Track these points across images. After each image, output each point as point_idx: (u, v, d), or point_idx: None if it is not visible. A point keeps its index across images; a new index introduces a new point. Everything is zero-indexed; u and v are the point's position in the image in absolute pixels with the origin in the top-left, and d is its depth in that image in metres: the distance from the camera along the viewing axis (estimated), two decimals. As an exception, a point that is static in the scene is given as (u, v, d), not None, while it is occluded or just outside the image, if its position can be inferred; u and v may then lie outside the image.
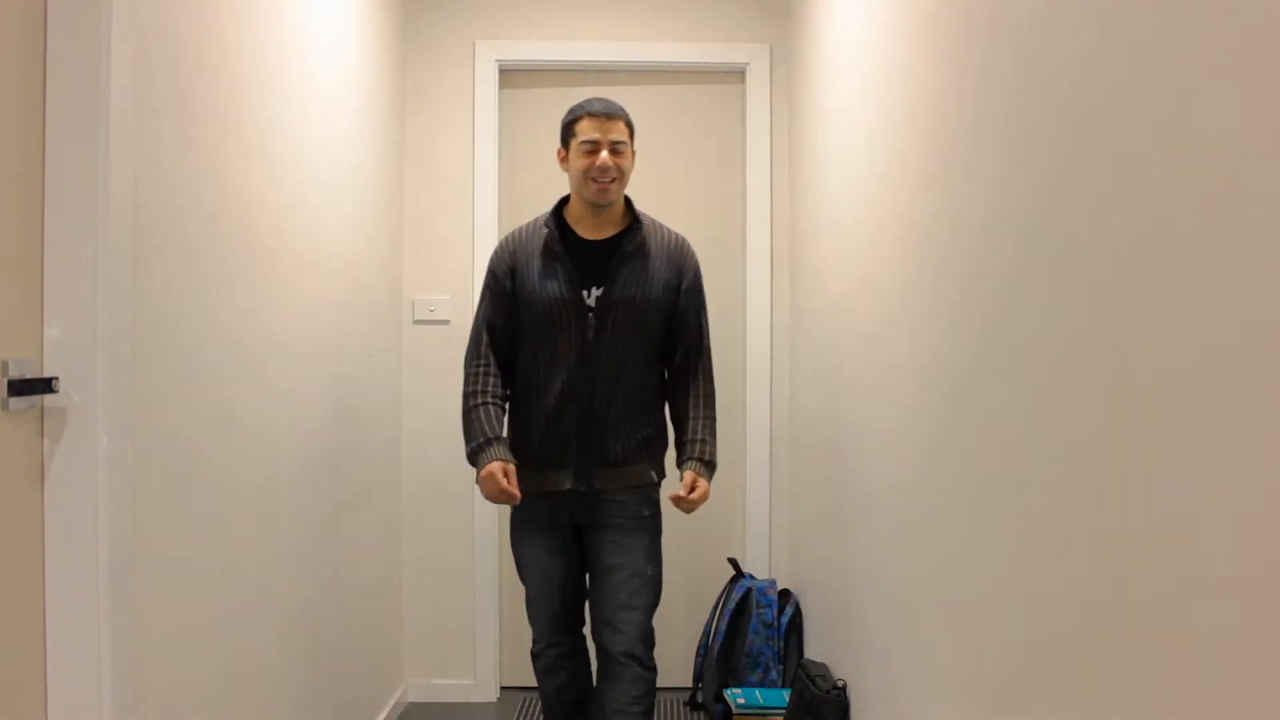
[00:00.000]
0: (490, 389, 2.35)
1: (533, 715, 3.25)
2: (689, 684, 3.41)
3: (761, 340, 3.45)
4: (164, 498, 1.65)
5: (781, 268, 3.46)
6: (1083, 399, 1.16)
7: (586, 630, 2.49)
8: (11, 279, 1.34)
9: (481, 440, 2.30)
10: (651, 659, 2.36)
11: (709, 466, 2.39)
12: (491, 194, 3.43)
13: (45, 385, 1.38)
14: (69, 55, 1.42)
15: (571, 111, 2.37)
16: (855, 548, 2.40)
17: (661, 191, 3.50)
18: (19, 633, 1.36)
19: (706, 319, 2.47)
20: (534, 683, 2.83)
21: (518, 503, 2.28)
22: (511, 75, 3.47)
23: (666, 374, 2.46)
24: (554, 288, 2.31)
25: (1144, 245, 1.02)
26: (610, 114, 2.33)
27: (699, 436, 2.40)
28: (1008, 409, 1.40)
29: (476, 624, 3.42)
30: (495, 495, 2.25)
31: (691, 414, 2.41)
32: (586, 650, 2.55)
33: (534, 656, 2.50)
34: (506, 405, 2.42)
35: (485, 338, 2.39)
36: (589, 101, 2.35)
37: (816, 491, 2.94)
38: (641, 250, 2.36)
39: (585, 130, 2.32)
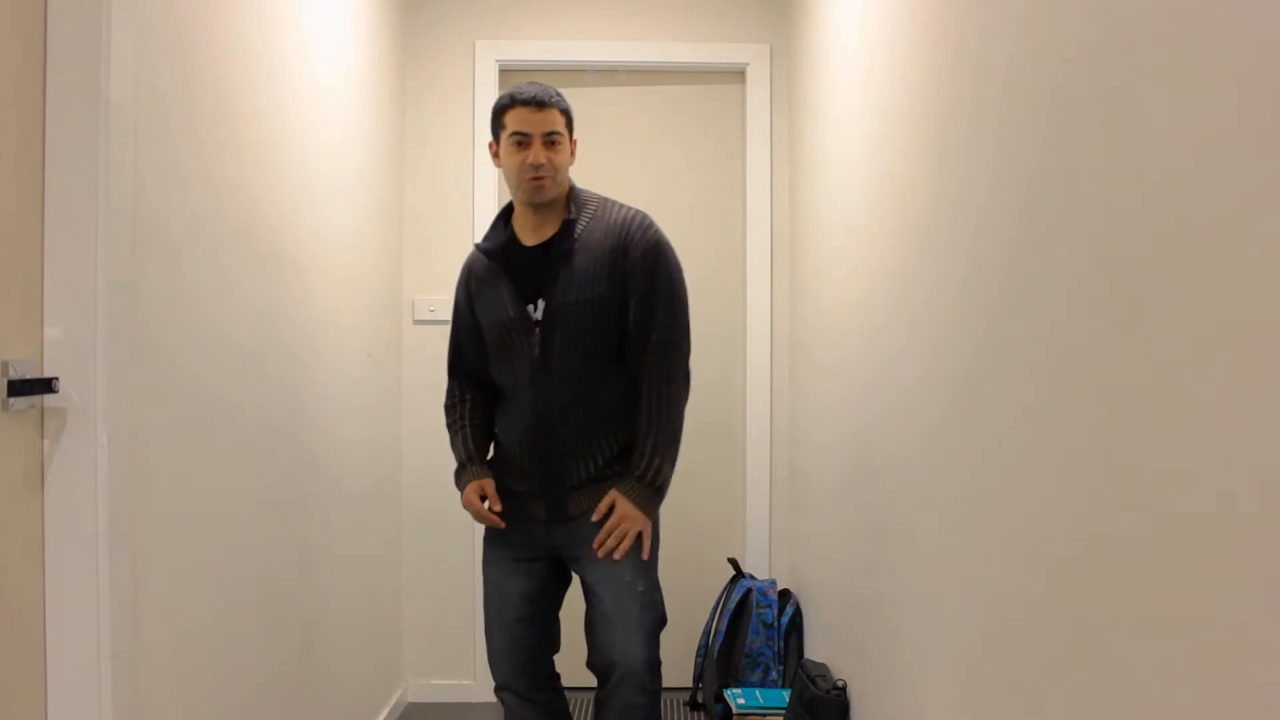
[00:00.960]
0: (466, 414, 2.23)
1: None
2: (689, 684, 3.41)
3: (762, 339, 3.45)
4: (164, 497, 1.65)
5: (782, 266, 3.46)
6: (1085, 399, 1.16)
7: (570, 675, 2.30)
8: (11, 279, 1.34)
9: (459, 463, 2.21)
10: (653, 681, 2.09)
11: (649, 488, 2.05)
12: (491, 194, 3.43)
13: (45, 385, 1.38)
14: (69, 55, 1.42)
15: (503, 98, 2.07)
16: (855, 548, 2.40)
17: (661, 192, 3.50)
18: (19, 633, 1.36)
19: (670, 301, 2.08)
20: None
21: (502, 525, 2.13)
22: (511, 75, 3.47)
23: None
24: (500, 307, 2.10)
25: (1142, 243, 1.02)
26: (542, 102, 2.03)
27: (642, 449, 2.06)
28: (1008, 409, 1.40)
29: (476, 624, 3.42)
30: (478, 516, 2.15)
31: (641, 425, 2.07)
32: (561, 705, 2.26)
33: (498, 698, 2.24)
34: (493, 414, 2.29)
35: (456, 368, 2.27)
36: (519, 88, 2.05)
37: (817, 491, 2.94)
38: (583, 244, 2.06)
39: (514, 121, 2.04)
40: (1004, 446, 1.42)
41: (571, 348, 2.06)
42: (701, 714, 3.22)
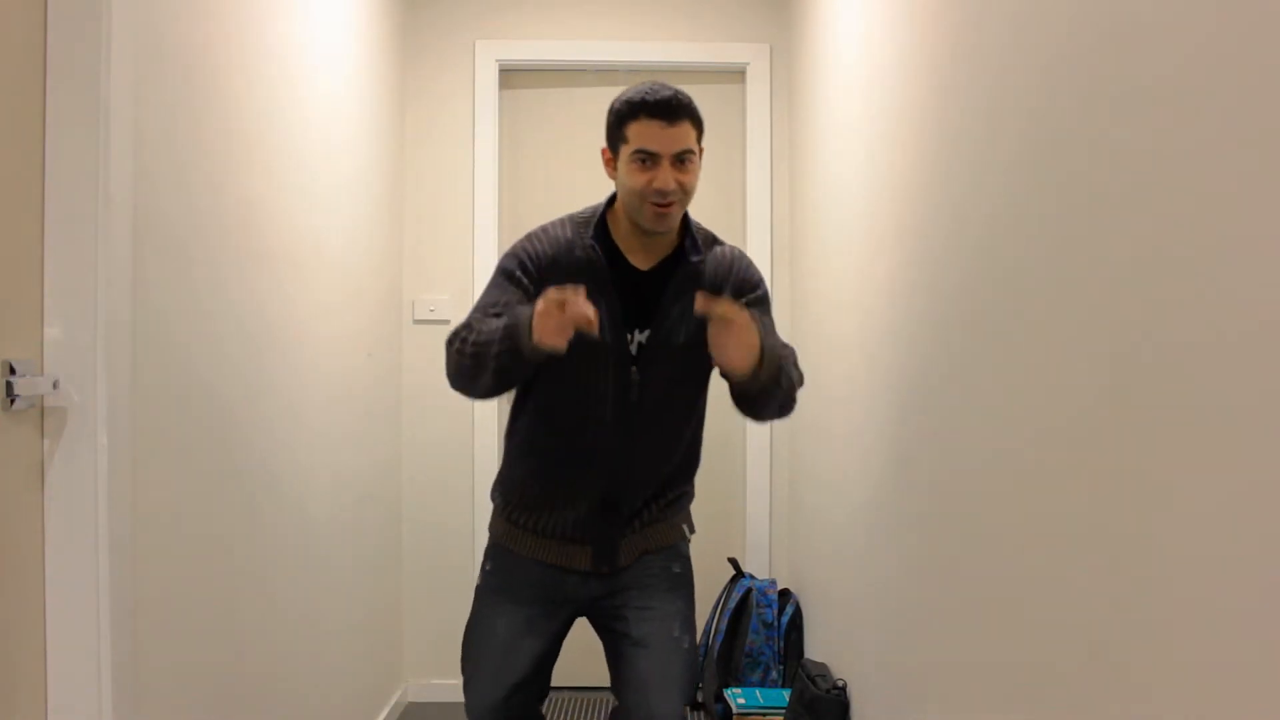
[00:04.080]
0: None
1: None
2: (689, 684, 3.41)
3: (761, 340, 3.45)
4: (164, 497, 1.65)
5: (782, 266, 3.46)
6: (1085, 397, 1.16)
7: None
8: (11, 279, 1.34)
9: (512, 318, 1.65)
10: None
11: (772, 351, 1.71)
12: (491, 194, 3.43)
13: (45, 385, 1.38)
14: (69, 55, 1.42)
15: (625, 104, 1.75)
16: (855, 548, 2.40)
17: (661, 191, 3.49)
18: (19, 633, 1.36)
19: (776, 340, 1.86)
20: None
21: (594, 324, 1.57)
22: (511, 75, 3.47)
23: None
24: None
25: (1144, 245, 1.02)
26: (675, 115, 1.71)
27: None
28: (1006, 407, 1.40)
29: (476, 624, 3.42)
30: (572, 313, 1.55)
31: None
32: None
33: None
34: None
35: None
36: (648, 92, 1.72)
37: (816, 491, 2.94)
38: (695, 281, 1.81)
39: (641, 137, 1.72)
40: (1002, 442, 1.42)
41: (667, 392, 1.84)
42: (701, 714, 3.22)
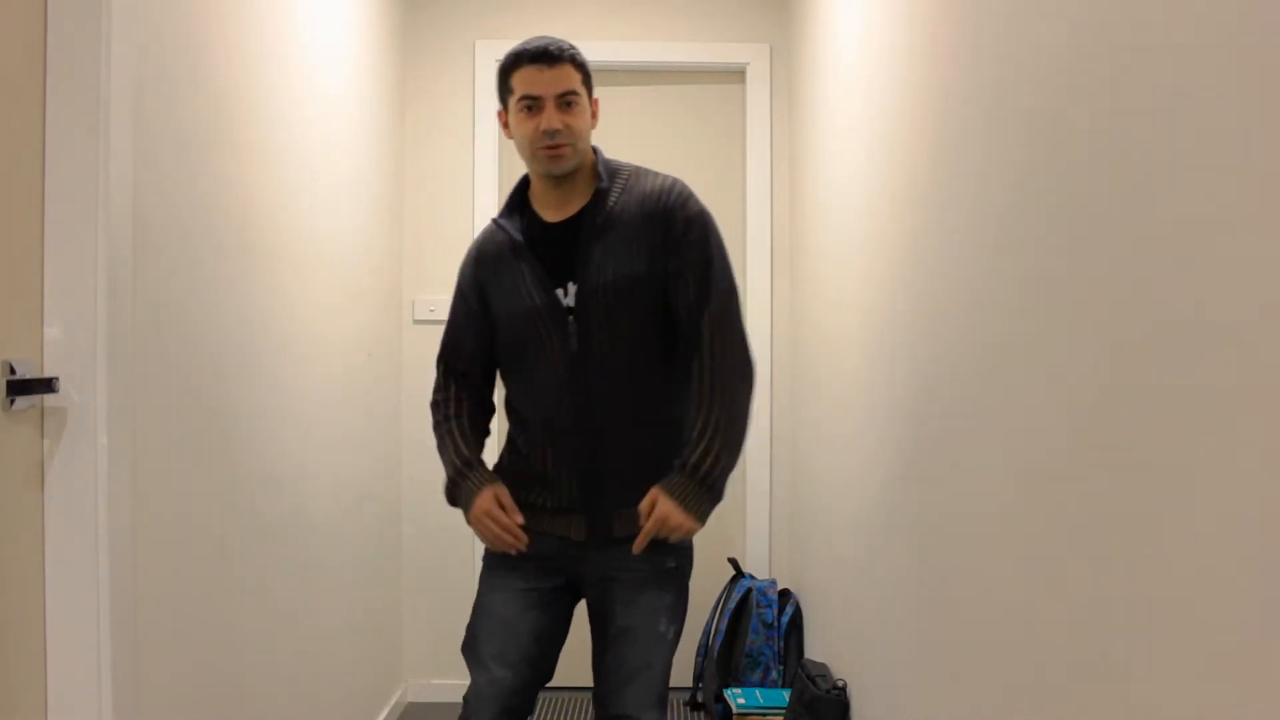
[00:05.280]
0: (457, 412, 1.95)
1: (534, 715, 3.25)
2: (689, 684, 3.41)
3: (762, 339, 3.45)
4: (164, 497, 1.65)
5: (782, 266, 3.47)
6: (1086, 397, 1.16)
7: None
8: (11, 279, 1.34)
9: (458, 466, 1.89)
10: None
11: (700, 484, 1.76)
12: (491, 194, 3.43)
13: (45, 385, 1.38)
14: (69, 55, 1.42)
15: (506, 57, 1.81)
16: (855, 548, 2.40)
17: (661, 191, 3.49)
18: (19, 633, 1.36)
19: (718, 271, 1.83)
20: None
21: (523, 546, 1.83)
22: (511, 75, 3.47)
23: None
24: (522, 294, 1.83)
25: (1147, 245, 1.02)
26: (552, 57, 1.77)
27: (693, 435, 1.78)
28: (1007, 406, 1.40)
29: (476, 624, 3.42)
30: (497, 535, 1.83)
31: (694, 408, 1.80)
32: None
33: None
34: (487, 427, 2.02)
35: (449, 354, 1.98)
36: (525, 43, 1.79)
37: (817, 491, 2.94)
38: (617, 217, 1.82)
39: (523, 84, 1.77)
40: (1003, 445, 1.42)
41: (613, 336, 1.81)
42: (701, 714, 3.22)
